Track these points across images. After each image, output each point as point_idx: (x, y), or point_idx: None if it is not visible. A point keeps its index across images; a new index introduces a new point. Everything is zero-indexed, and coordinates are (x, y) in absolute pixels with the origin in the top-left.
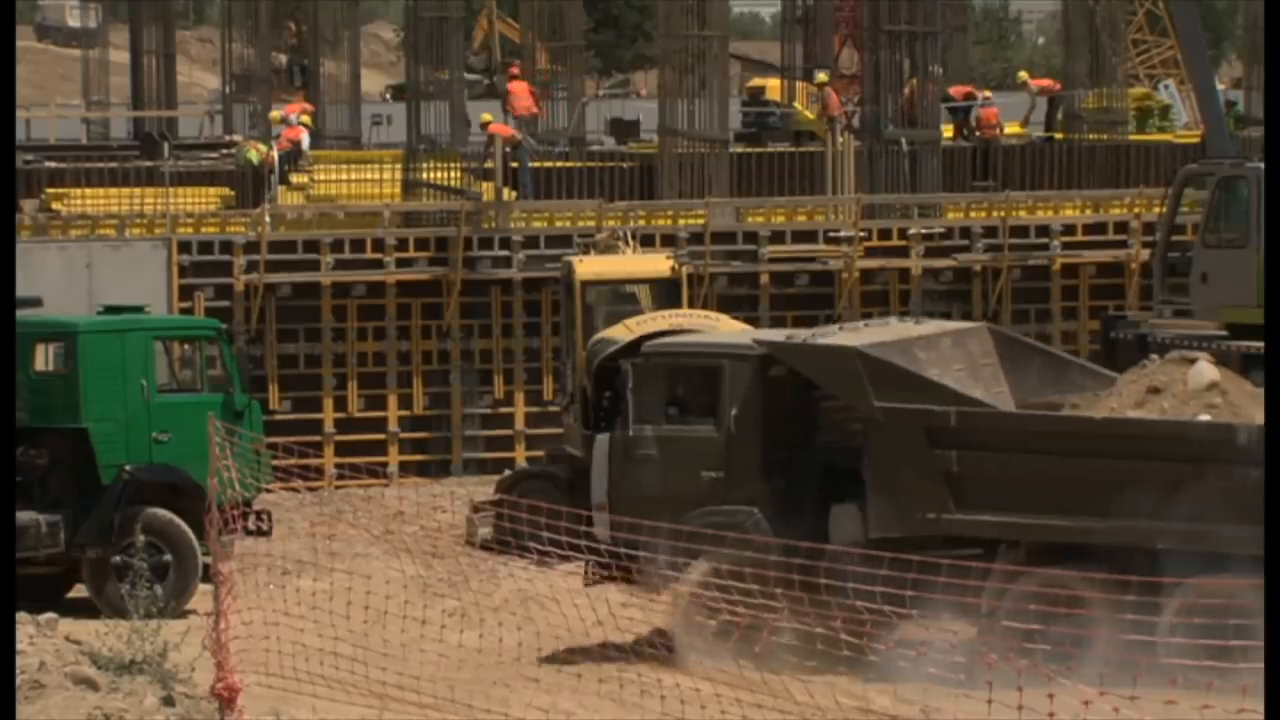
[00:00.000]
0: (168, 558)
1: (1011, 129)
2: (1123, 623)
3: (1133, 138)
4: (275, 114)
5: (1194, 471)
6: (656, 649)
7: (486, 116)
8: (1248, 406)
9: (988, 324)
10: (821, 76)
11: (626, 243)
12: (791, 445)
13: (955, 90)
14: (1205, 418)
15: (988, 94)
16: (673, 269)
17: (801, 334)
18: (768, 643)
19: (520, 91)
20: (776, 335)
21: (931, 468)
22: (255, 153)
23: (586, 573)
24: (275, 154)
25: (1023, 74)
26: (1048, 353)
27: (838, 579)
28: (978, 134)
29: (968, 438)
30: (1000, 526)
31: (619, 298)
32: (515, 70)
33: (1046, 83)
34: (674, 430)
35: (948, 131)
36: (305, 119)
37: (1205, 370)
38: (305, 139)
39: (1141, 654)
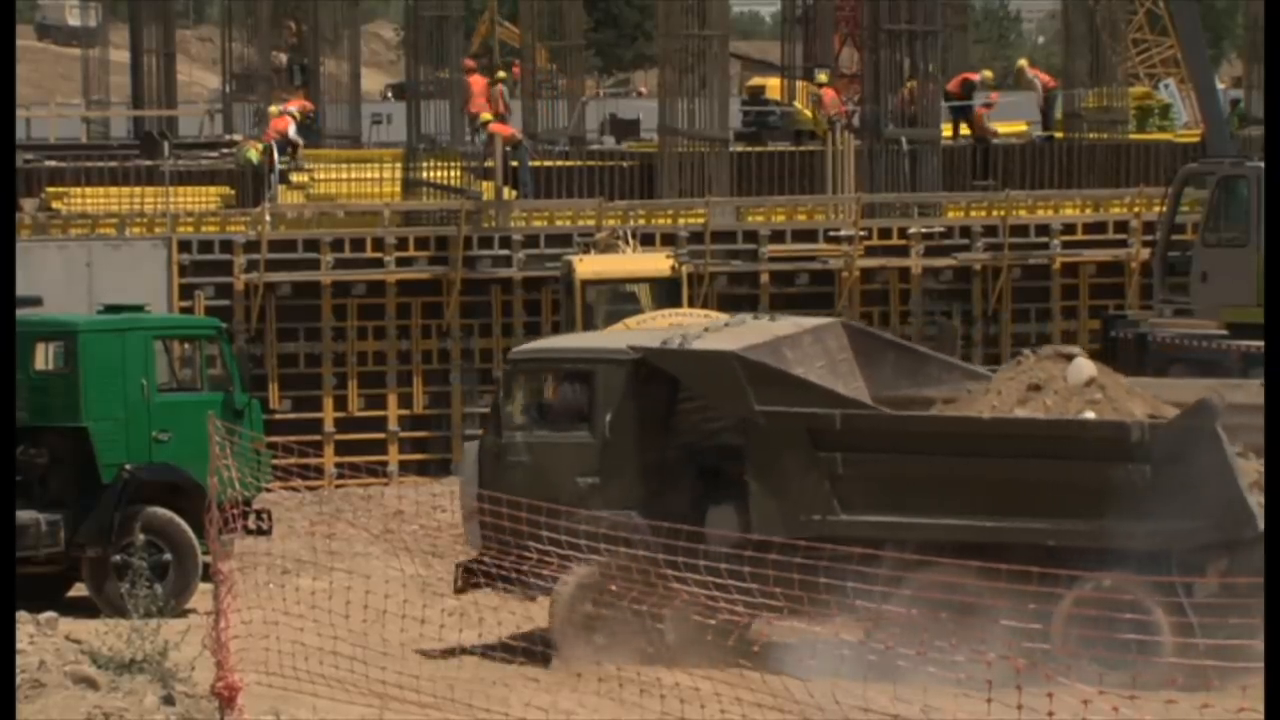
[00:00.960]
0: (167, 557)
1: (1013, 127)
2: (1016, 621)
3: (1133, 137)
4: (274, 108)
5: (1087, 469)
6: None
7: (486, 116)
8: (1126, 402)
9: (842, 319)
10: (821, 77)
11: (626, 242)
12: (667, 448)
13: (950, 84)
14: (1089, 414)
15: (988, 75)
16: (673, 268)
17: (675, 339)
18: (655, 642)
19: (477, 89)
20: (651, 340)
21: (815, 470)
22: (254, 151)
23: (455, 579)
24: (271, 146)
25: (1022, 62)
26: (903, 347)
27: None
28: (975, 132)
29: (853, 440)
30: (886, 527)
31: (619, 297)
32: (471, 64)
33: (1044, 77)
34: (547, 436)
35: (947, 130)
36: (293, 109)
37: (1084, 366)
38: (292, 128)
39: (1035, 651)
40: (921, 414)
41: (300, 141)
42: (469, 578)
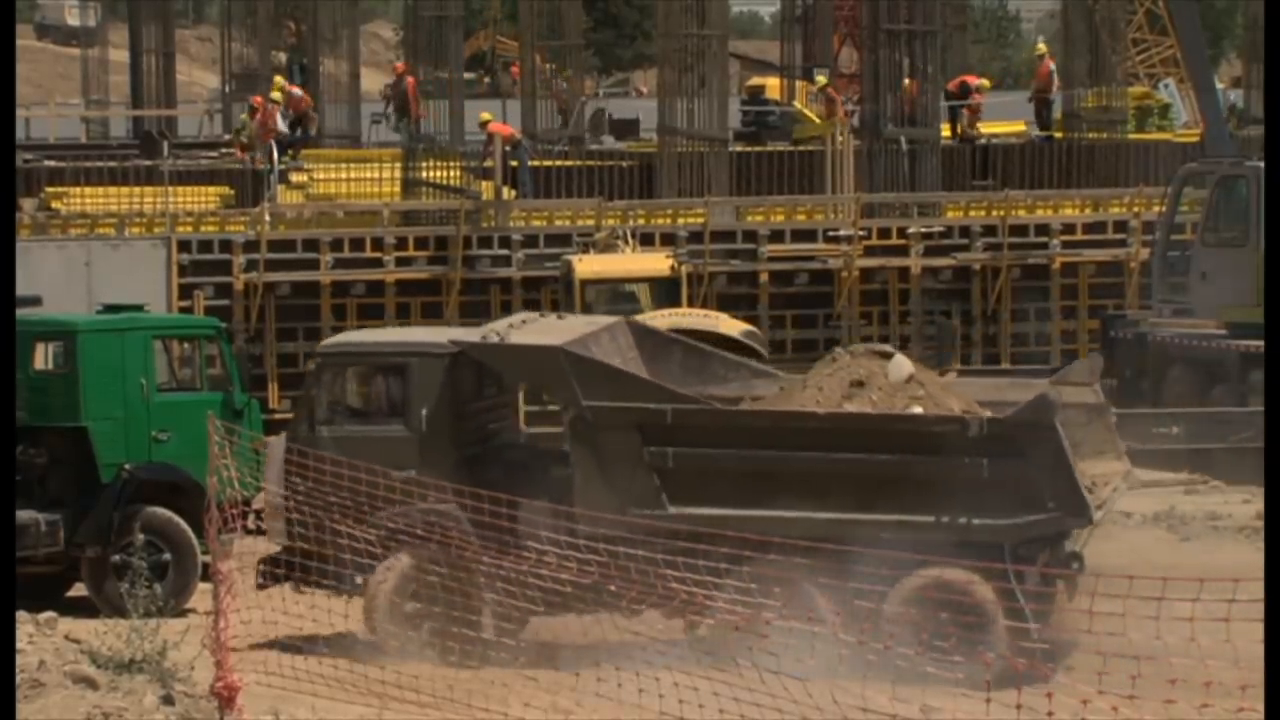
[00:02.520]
0: (167, 557)
1: (1011, 127)
2: (847, 614)
3: (1132, 137)
4: (278, 79)
5: (925, 463)
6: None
7: (486, 115)
8: (944, 398)
9: (625, 318)
10: (820, 79)
11: (626, 242)
12: (485, 442)
13: (952, 84)
14: (916, 409)
15: (984, 84)
16: (672, 268)
17: (492, 333)
18: (472, 635)
19: (411, 90)
20: (472, 335)
21: (645, 465)
22: (249, 131)
23: (257, 576)
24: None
25: (1041, 46)
26: (687, 345)
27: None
28: (966, 131)
29: (685, 434)
30: (717, 521)
31: (618, 296)
32: (401, 67)
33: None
34: (361, 430)
35: (946, 130)
36: (275, 95)
37: (903, 363)
38: (281, 122)
39: (865, 645)
40: (758, 409)
41: (286, 133)
42: (272, 572)
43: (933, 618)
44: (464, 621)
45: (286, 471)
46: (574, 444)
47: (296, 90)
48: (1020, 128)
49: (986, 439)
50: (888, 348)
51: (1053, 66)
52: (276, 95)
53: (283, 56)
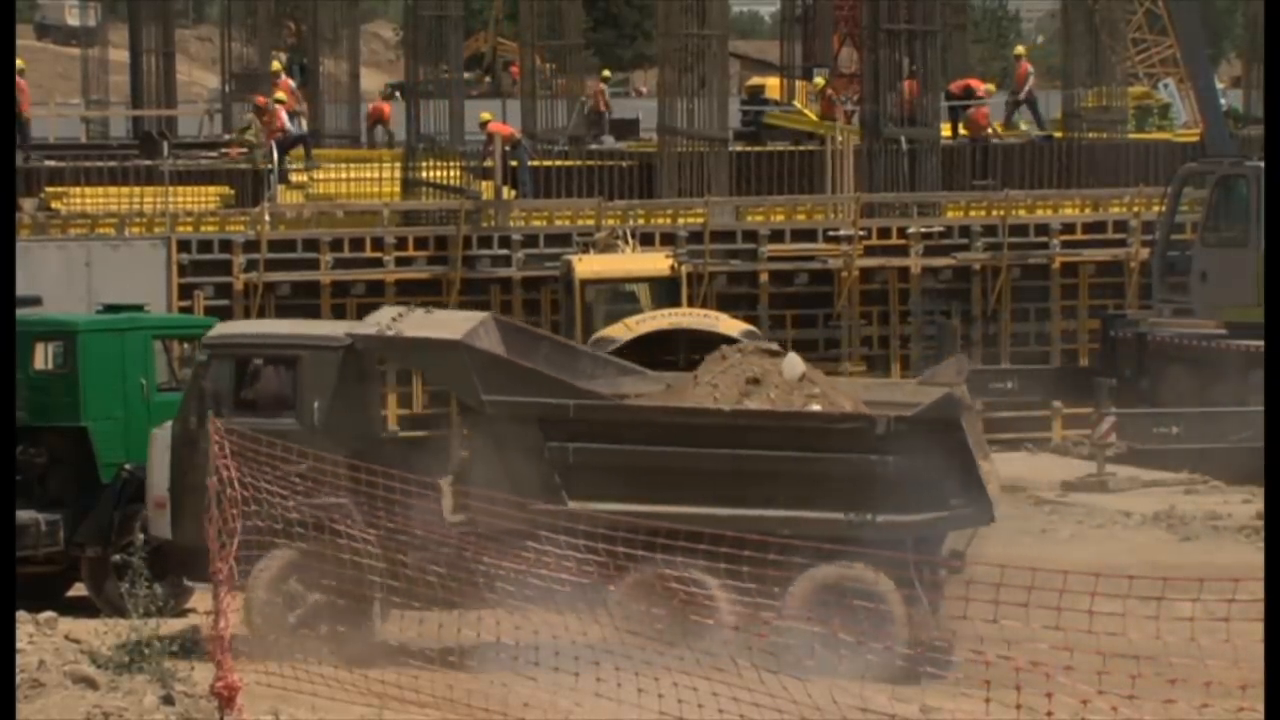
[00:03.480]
0: None
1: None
2: (748, 611)
3: (1132, 136)
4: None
5: (831, 460)
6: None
7: (486, 115)
8: (837, 396)
9: (492, 314)
10: (818, 80)
11: (626, 241)
12: (375, 435)
13: (954, 85)
14: (815, 407)
15: (991, 88)
16: (672, 268)
17: (378, 326)
18: (362, 633)
19: (284, 89)
20: (368, 328)
21: (545, 459)
22: (253, 131)
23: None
24: (272, 145)
25: (1019, 49)
26: (555, 341)
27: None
28: (965, 134)
29: (587, 429)
30: (620, 517)
31: (618, 297)
32: (276, 65)
33: (969, 83)
34: (251, 423)
35: (947, 130)
36: (280, 95)
37: (796, 361)
38: (288, 121)
39: (766, 641)
40: (662, 404)
41: (293, 131)
42: (155, 567)
43: (835, 613)
44: (350, 618)
45: (172, 464)
46: (472, 438)
47: (293, 82)
48: (1021, 127)
49: (892, 436)
50: (775, 345)
51: (1030, 69)
52: (281, 96)
53: (283, 56)
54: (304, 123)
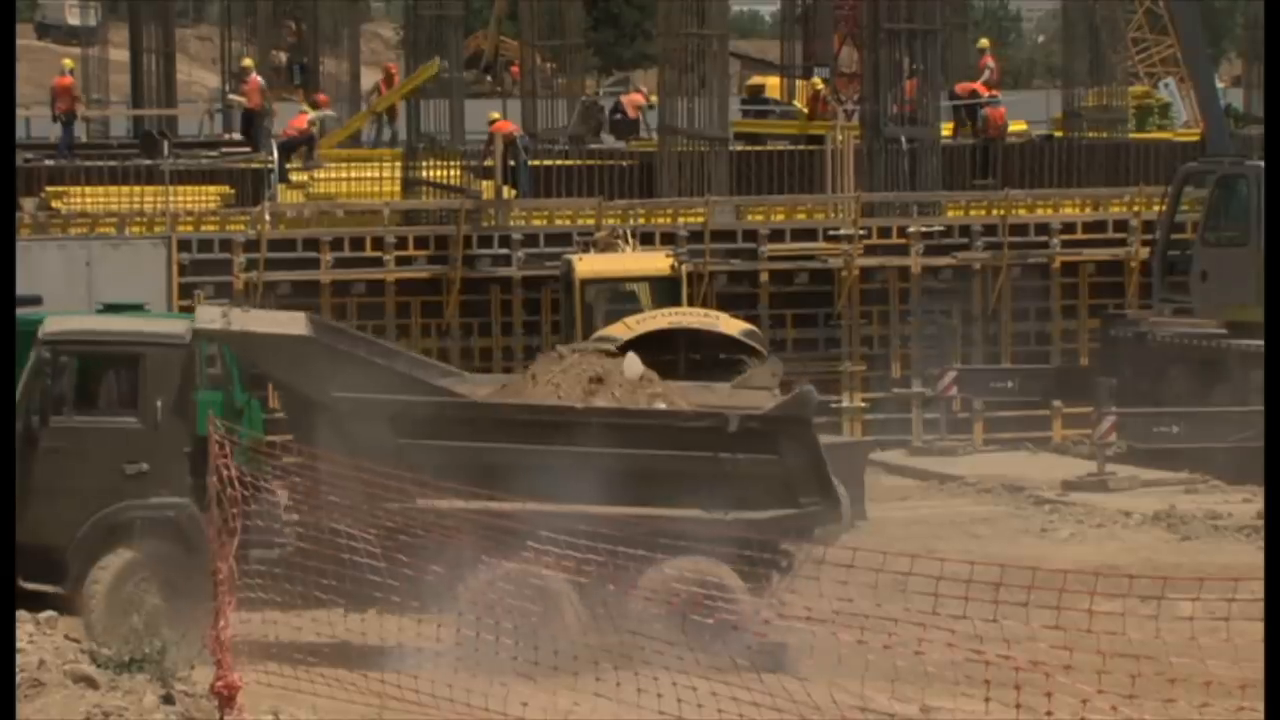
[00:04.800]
0: None
1: (1014, 126)
2: (592, 608)
3: (1132, 136)
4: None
5: (681, 459)
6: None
7: (495, 115)
8: (676, 395)
9: (307, 314)
10: (817, 82)
11: (626, 241)
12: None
13: (961, 88)
14: (661, 405)
15: (995, 93)
16: (672, 267)
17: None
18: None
19: (251, 87)
20: (211, 323)
21: (395, 456)
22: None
23: None
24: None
25: (984, 41)
26: (371, 342)
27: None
28: (984, 134)
29: (439, 427)
30: (470, 514)
31: (619, 296)
32: (247, 63)
33: (975, 87)
34: (91, 421)
35: (947, 129)
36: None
37: (636, 361)
38: (260, 84)
39: (615, 639)
40: (515, 401)
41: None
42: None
43: (682, 609)
44: (192, 620)
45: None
46: (321, 436)
47: (262, 80)
48: (1021, 127)
49: (743, 434)
50: (609, 346)
51: (990, 64)
52: (313, 115)
53: (283, 56)
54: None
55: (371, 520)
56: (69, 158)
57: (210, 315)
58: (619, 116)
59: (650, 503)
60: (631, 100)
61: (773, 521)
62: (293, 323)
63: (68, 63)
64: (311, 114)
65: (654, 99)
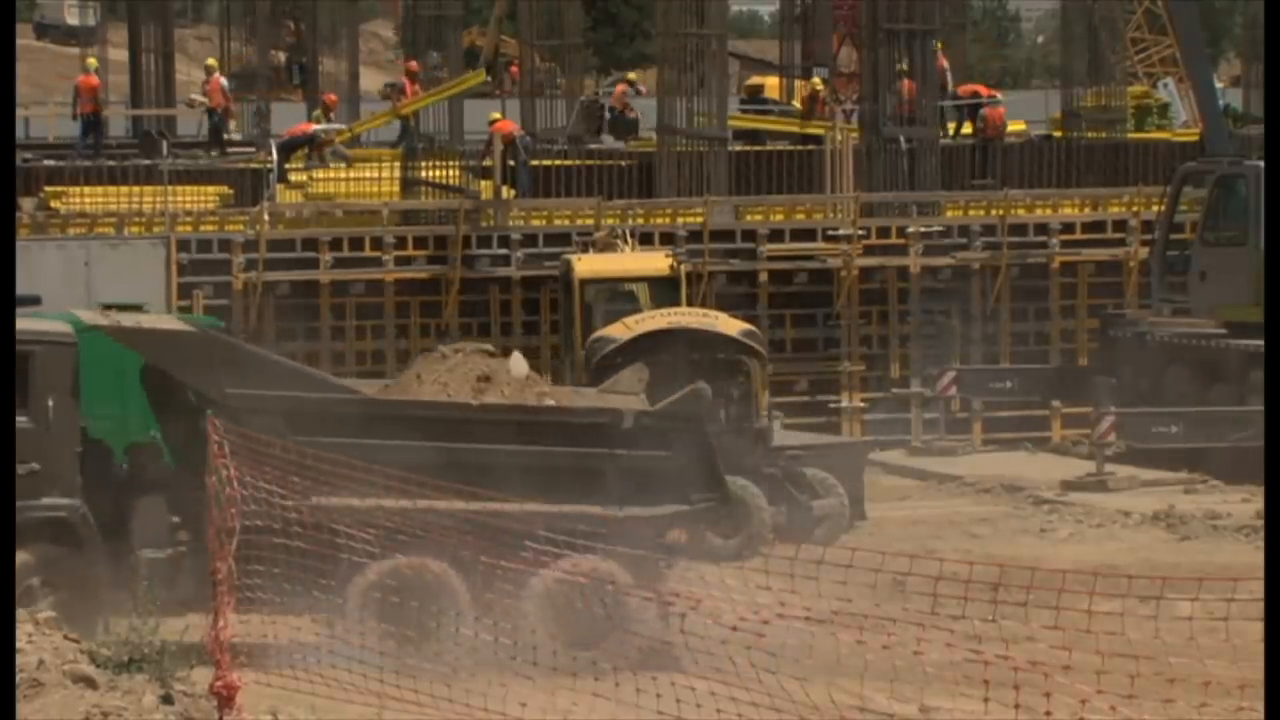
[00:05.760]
0: None
1: (1013, 126)
2: (488, 606)
3: (1131, 136)
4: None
5: (575, 456)
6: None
7: (495, 115)
8: (559, 395)
9: (175, 314)
10: (816, 82)
11: (625, 241)
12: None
13: (963, 90)
14: (550, 402)
15: (997, 94)
16: (671, 267)
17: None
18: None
19: (213, 88)
20: (99, 319)
21: (290, 455)
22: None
23: None
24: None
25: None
26: (228, 342)
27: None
28: (983, 134)
29: (333, 424)
30: (365, 512)
31: (618, 296)
32: (210, 63)
33: (976, 88)
34: None
35: (951, 128)
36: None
37: (520, 360)
38: (222, 83)
39: (504, 638)
40: (410, 399)
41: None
42: None
43: (575, 607)
44: (82, 623)
45: None
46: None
47: (224, 81)
48: (1020, 127)
49: (638, 431)
50: (489, 346)
51: (944, 64)
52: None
53: (282, 56)
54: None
55: (265, 518)
56: (93, 157)
57: (92, 316)
58: (612, 114)
59: (545, 499)
60: (618, 95)
61: (665, 518)
62: (176, 323)
63: (91, 62)
64: (316, 126)
65: (639, 83)
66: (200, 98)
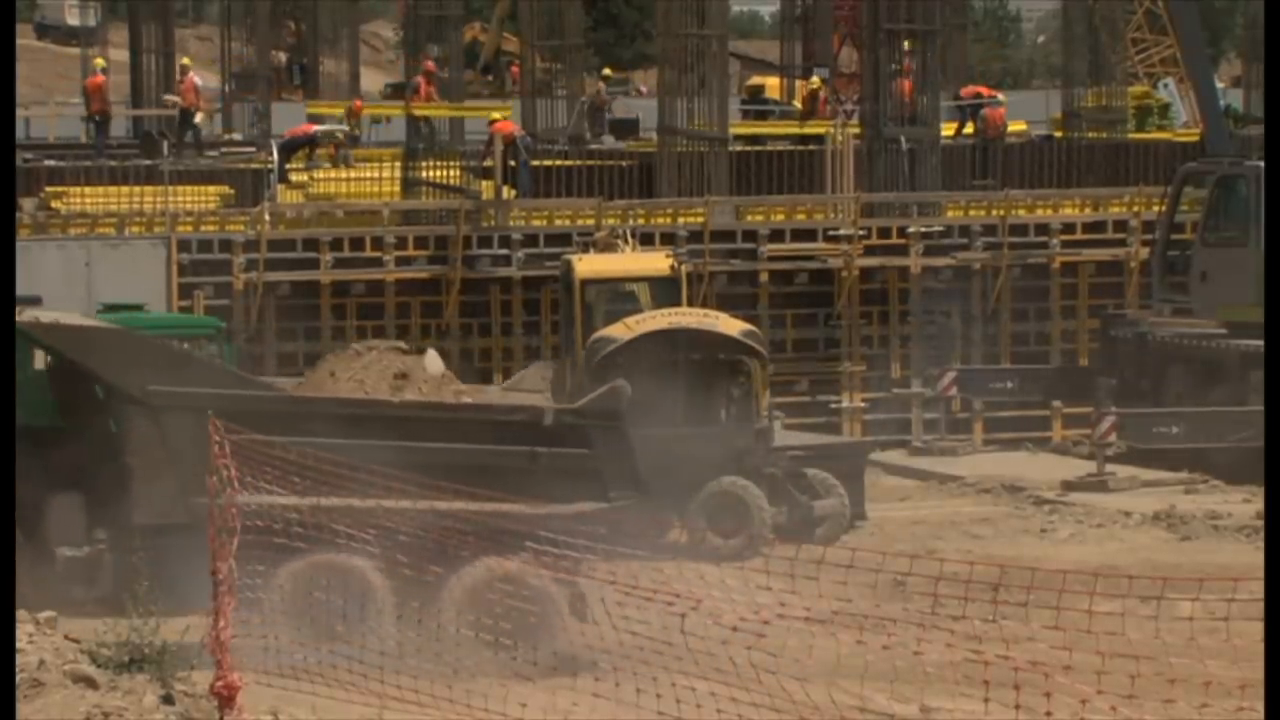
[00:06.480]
0: None
1: (1014, 126)
2: (409, 607)
3: (1132, 136)
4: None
5: (495, 454)
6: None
7: (495, 115)
8: (477, 394)
9: (66, 312)
10: (815, 81)
11: (626, 241)
12: (51, 427)
13: (965, 91)
14: (466, 400)
15: (999, 95)
16: (672, 267)
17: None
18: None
19: (187, 87)
20: (26, 316)
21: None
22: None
23: None
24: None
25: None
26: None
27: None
28: (984, 134)
29: (254, 421)
30: (284, 509)
31: (618, 296)
32: (184, 62)
33: (979, 89)
34: None
35: (949, 129)
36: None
37: (436, 358)
38: (196, 82)
39: (425, 637)
40: (332, 396)
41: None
42: None
43: (494, 606)
44: None
45: None
46: (130, 430)
47: (198, 80)
48: (1021, 127)
49: (558, 428)
50: (402, 344)
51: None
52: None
53: (282, 56)
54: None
55: (185, 515)
56: (95, 157)
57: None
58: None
59: (465, 496)
60: (597, 93)
61: (583, 516)
62: (95, 320)
63: (99, 62)
64: (316, 127)
65: (605, 80)
66: (174, 97)
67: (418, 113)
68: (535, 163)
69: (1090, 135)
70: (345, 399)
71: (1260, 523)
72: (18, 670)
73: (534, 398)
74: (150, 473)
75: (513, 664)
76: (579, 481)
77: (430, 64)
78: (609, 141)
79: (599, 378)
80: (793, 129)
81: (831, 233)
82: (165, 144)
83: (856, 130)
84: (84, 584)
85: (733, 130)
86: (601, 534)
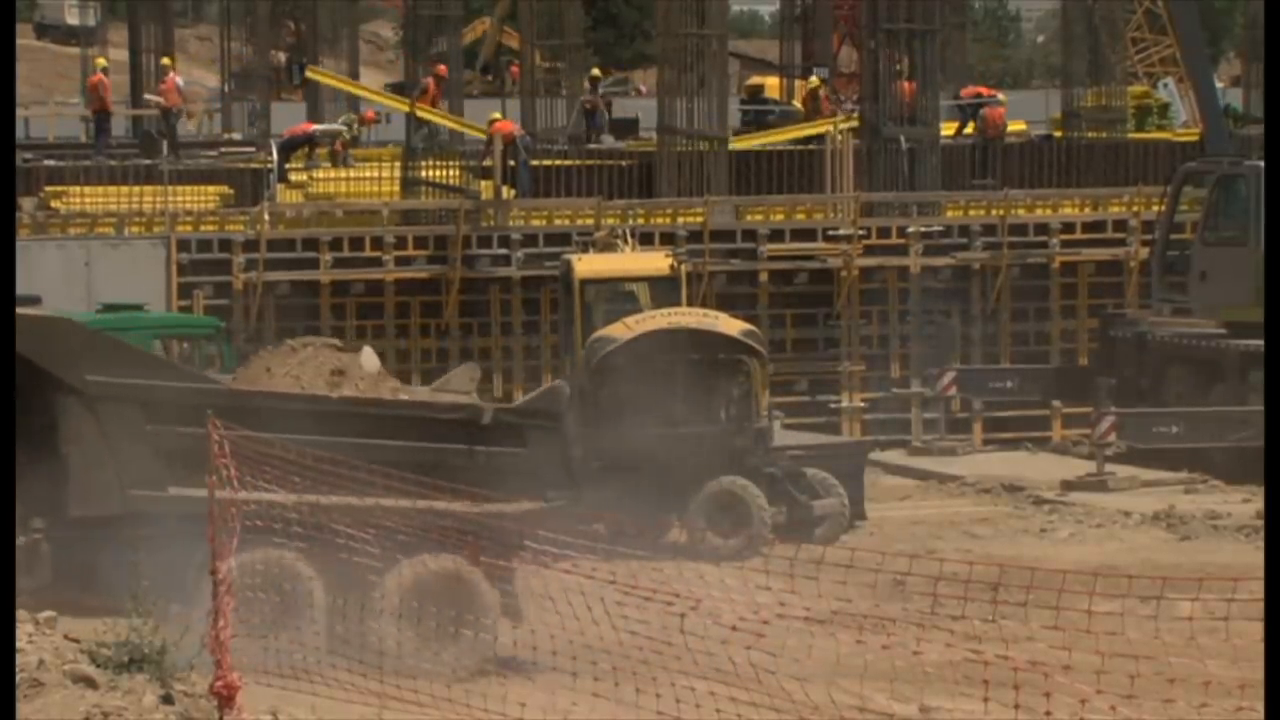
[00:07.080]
0: None
1: (1013, 126)
2: (346, 605)
3: (1131, 136)
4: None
5: (432, 451)
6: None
7: (495, 115)
8: (407, 393)
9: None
10: (814, 81)
11: (625, 241)
12: None
13: (965, 91)
14: (403, 397)
15: (999, 94)
16: (671, 267)
17: None
18: None
19: (168, 87)
20: None
21: (150, 444)
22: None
23: None
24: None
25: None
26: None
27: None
28: (984, 134)
29: (191, 414)
30: (227, 504)
31: (618, 296)
32: (166, 60)
33: (980, 90)
34: None
35: (948, 129)
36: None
37: (372, 355)
38: (315, 128)
39: (359, 635)
40: (270, 390)
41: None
42: None
43: (427, 605)
44: None
45: None
46: (69, 422)
47: (180, 80)
48: (1021, 126)
49: (496, 426)
50: (337, 341)
51: None
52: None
53: (282, 56)
54: (188, 123)
55: (122, 506)
56: (106, 157)
57: None
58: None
59: (401, 494)
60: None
61: (518, 515)
62: (36, 309)
63: (100, 62)
64: (316, 127)
65: (594, 81)
66: (155, 97)
67: (421, 115)
68: (535, 162)
69: (1090, 135)
70: (284, 393)
71: (1260, 522)
72: (17, 670)
73: (461, 398)
74: (87, 463)
75: (439, 661)
76: (516, 480)
77: (443, 68)
78: (609, 141)
79: (599, 377)
80: (794, 133)
81: (831, 232)
82: (165, 144)
83: (853, 125)
84: (22, 574)
85: (734, 145)
86: (538, 535)
